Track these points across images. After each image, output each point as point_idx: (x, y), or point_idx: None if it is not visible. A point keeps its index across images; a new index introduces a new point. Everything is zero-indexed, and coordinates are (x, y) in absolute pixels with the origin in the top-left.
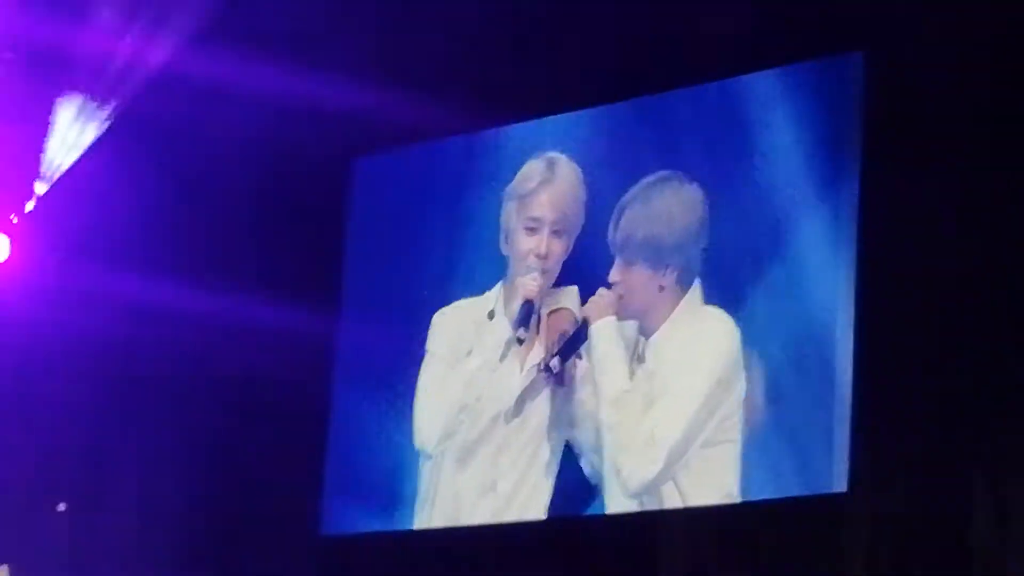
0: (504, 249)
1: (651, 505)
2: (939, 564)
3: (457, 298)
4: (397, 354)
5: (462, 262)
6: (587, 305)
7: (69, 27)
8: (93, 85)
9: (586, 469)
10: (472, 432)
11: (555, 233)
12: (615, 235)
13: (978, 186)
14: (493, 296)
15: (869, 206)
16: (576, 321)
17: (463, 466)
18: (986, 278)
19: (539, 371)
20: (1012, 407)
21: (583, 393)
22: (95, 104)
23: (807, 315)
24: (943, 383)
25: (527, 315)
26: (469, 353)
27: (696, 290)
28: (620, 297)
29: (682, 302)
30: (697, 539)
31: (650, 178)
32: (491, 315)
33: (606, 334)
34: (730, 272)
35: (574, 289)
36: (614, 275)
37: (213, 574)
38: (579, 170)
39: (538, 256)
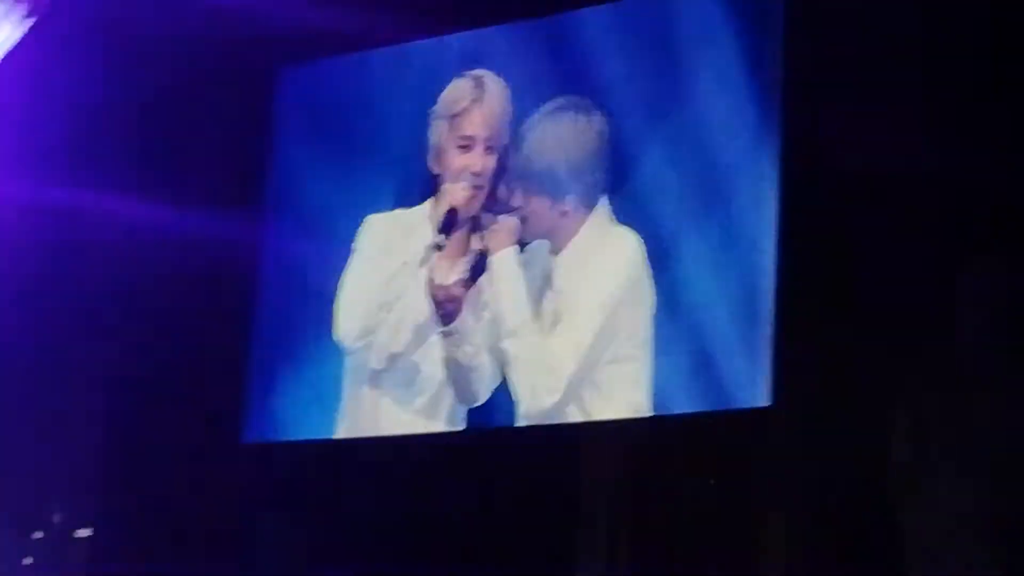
0: (434, 167)
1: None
2: (860, 480)
3: (385, 208)
4: (324, 261)
5: (392, 177)
6: (487, 234)
7: None
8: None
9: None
10: (393, 341)
11: (488, 149)
12: (516, 162)
13: (904, 107)
14: (424, 208)
15: (793, 117)
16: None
17: (382, 375)
18: (910, 194)
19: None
20: (933, 324)
21: (483, 320)
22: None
23: (727, 230)
24: (865, 299)
25: (450, 223)
26: (395, 253)
27: (603, 210)
28: (524, 220)
29: (587, 222)
30: (616, 451)
31: (548, 106)
32: (418, 221)
33: (506, 265)
34: (641, 192)
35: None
36: (516, 200)
37: (134, 488)
38: (506, 87)
39: (473, 173)
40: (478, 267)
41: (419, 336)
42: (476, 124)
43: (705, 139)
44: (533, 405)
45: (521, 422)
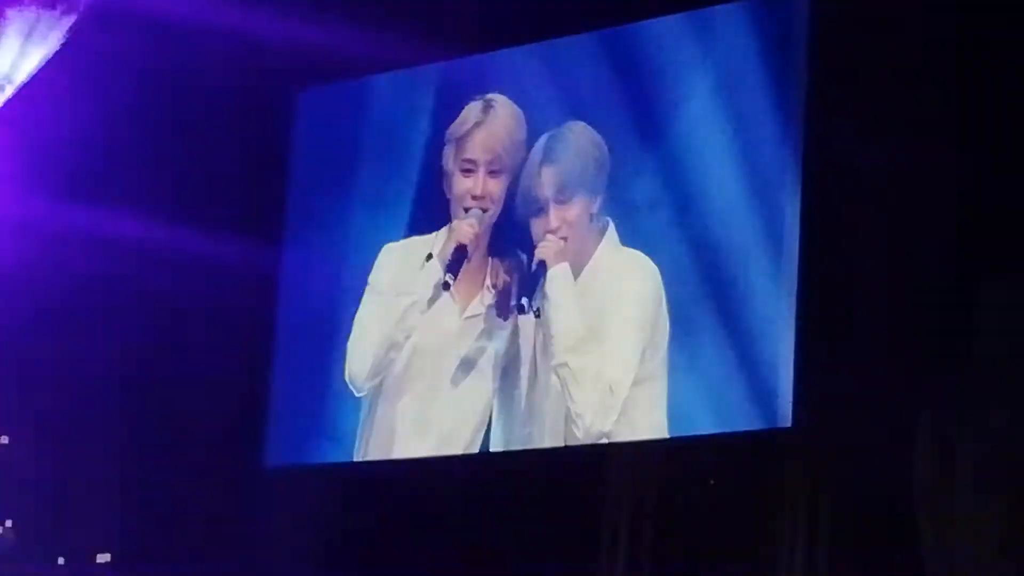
0: (446, 191)
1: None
2: (882, 501)
3: (408, 235)
4: (341, 288)
5: (411, 201)
6: (541, 248)
7: None
8: (35, 12)
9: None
10: (404, 371)
11: (492, 173)
12: (542, 188)
13: (926, 123)
14: (438, 237)
15: (814, 144)
16: (525, 265)
17: (395, 403)
18: (935, 216)
19: (492, 312)
20: (957, 344)
21: (536, 336)
22: (36, 32)
23: (746, 251)
24: (889, 319)
25: (458, 260)
26: (405, 291)
27: (612, 233)
28: (564, 241)
29: (601, 244)
30: (640, 473)
31: (552, 131)
32: (429, 257)
33: (564, 280)
34: (651, 215)
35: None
36: (553, 222)
37: (154, 505)
38: (518, 110)
39: (474, 197)
40: (535, 277)
41: (432, 366)
42: (477, 148)
43: (723, 162)
44: (595, 424)
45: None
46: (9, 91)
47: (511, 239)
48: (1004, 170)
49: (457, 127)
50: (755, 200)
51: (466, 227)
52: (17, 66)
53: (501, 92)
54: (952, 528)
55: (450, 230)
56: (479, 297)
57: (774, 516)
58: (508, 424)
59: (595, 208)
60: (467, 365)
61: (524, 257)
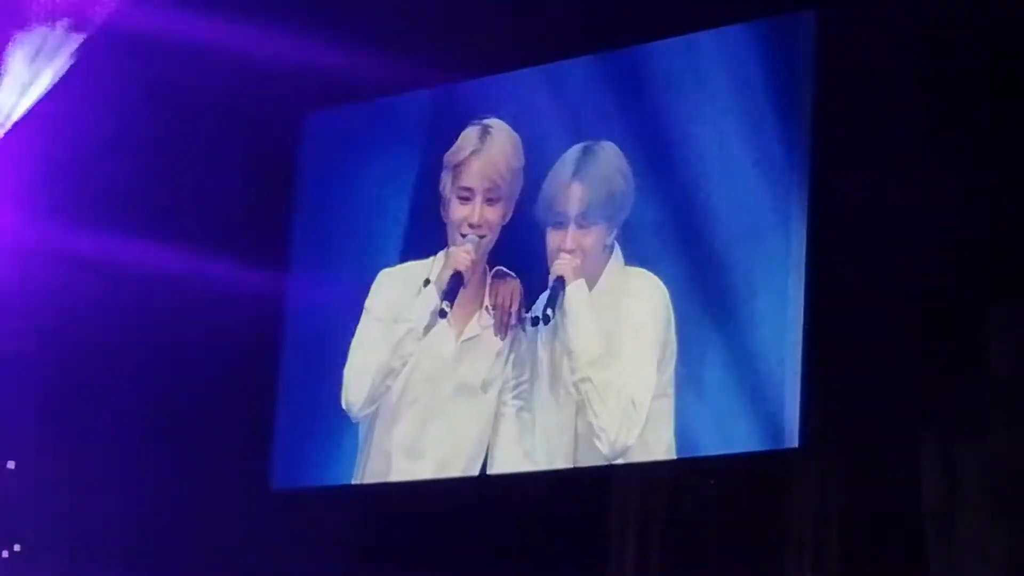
0: (444, 217)
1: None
2: (890, 522)
3: (405, 259)
4: (343, 312)
5: (407, 226)
6: (558, 264)
7: None
8: (39, 38)
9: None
10: (401, 396)
11: (488, 201)
12: (568, 203)
13: (933, 155)
14: (435, 262)
15: (820, 169)
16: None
17: (391, 428)
18: (939, 239)
19: (490, 333)
20: (962, 364)
21: (547, 352)
22: (41, 58)
23: (751, 272)
24: (894, 339)
25: (454, 288)
26: (402, 318)
27: (618, 252)
28: (581, 262)
29: (610, 261)
30: (644, 495)
31: (588, 143)
32: (426, 282)
33: (582, 295)
34: (658, 235)
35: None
36: (570, 242)
37: (162, 530)
38: (516, 136)
39: (471, 225)
40: (552, 292)
41: (428, 390)
42: (475, 175)
43: (730, 184)
44: (620, 439)
45: (601, 460)
46: (17, 115)
47: (517, 254)
48: (1013, 190)
49: (455, 154)
50: (761, 222)
51: (462, 254)
52: (24, 91)
53: (499, 116)
54: (959, 548)
55: (447, 255)
56: (476, 318)
57: (782, 537)
58: (510, 445)
59: (608, 239)
60: (465, 388)
61: (534, 271)
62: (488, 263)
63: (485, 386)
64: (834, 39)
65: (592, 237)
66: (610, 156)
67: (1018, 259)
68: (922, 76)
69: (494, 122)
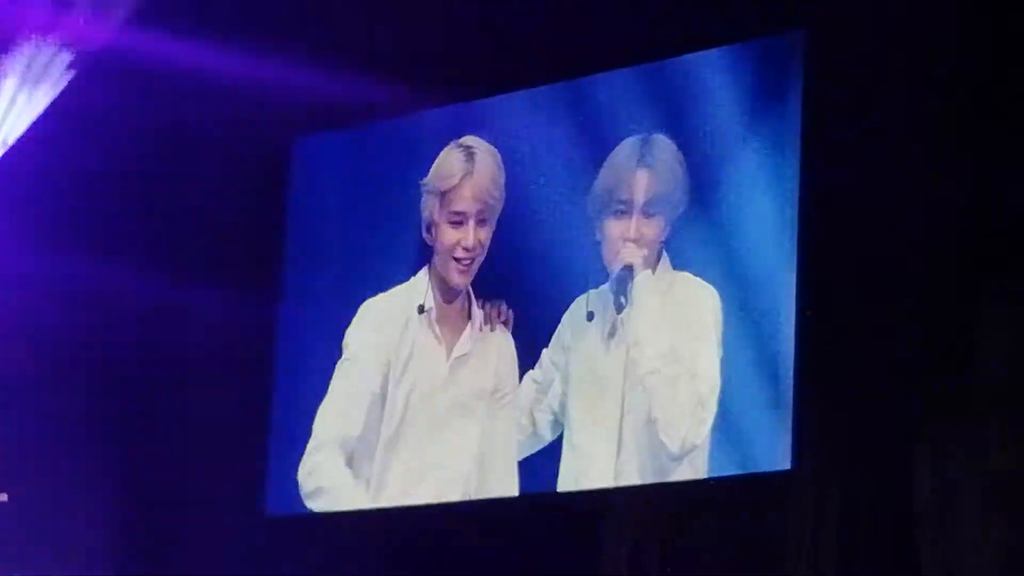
0: (427, 239)
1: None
2: (883, 541)
3: (387, 286)
4: (331, 340)
5: (389, 249)
6: (625, 252)
7: (7, 5)
8: (28, 66)
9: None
10: (399, 423)
11: (480, 223)
12: (634, 190)
13: (919, 166)
14: (420, 285)
15: (810, 187)
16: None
17: (388, 454)
18: (929, 252)
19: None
20: (955, 382)
21: (624, 347)
22: (30, 86)
23: (744, 293)
24: (885, 358)
25: (449, 293)
26: (387, 346)
27: (666, 256)
28: (648, 252)
29: (660, 262)
30: (639, 516)
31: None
32: (421, 309)
33: (653, 285)
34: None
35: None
36: (633, 231)
37: (158, 557)
38: (496, 153)
39: (466, 248)
40: (620, 281)
41: (429, 409)
42: (467, 199)
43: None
44: (690, 436)
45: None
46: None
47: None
48: (1003, 196)
49: (442, 178)
50: (756, 242)
51: (453, 271)
52: (14, 118)
53: (476, 134)
54: (953, 558)
55: (433, 277)
56: (466, 334)
57: (778, 557)
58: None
59: (664, 235)
60: (459, 407)
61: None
62: (480, 278)
63: (477, 403)
64: (823, 55)
65: (654, 229)
66: (670, 146)
67: (1009, 262)
68: (912, 94)
69: (475, 141)
